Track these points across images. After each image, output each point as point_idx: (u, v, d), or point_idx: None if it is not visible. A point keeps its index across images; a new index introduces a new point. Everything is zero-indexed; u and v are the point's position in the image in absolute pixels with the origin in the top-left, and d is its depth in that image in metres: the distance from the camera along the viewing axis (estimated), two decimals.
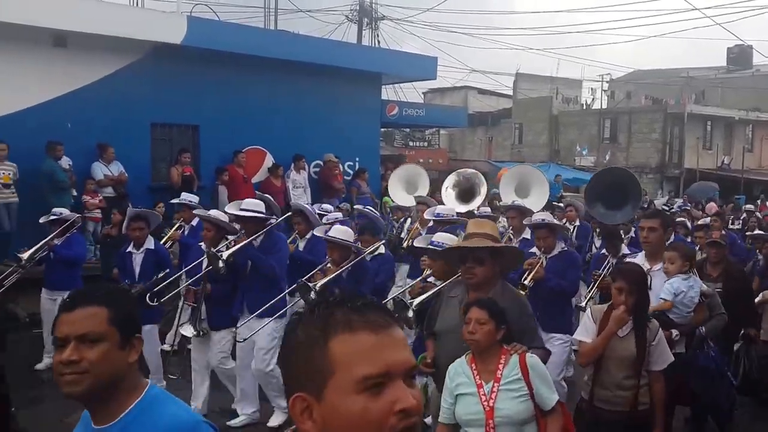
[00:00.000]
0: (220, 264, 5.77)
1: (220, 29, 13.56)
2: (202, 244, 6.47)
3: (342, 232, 5.94)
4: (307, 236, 7.20)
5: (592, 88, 38.73)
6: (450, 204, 9.46)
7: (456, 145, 36.96)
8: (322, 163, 14.47)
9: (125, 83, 11.92)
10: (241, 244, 5.98)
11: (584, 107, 37.82)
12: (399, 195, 11.81)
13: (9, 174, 10.20)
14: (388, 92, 20.91)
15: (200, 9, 15.94)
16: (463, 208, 9.50)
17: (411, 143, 26.15)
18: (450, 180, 10.43)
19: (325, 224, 7.20)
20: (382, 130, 21.27)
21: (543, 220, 6.23)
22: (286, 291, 6.21)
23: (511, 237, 7.51)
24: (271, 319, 6.01)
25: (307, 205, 8.10)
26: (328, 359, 1.26)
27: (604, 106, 36.65)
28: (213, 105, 13.02)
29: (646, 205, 15.53)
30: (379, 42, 25.85)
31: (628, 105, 35.08)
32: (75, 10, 11.22)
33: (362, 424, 1.23)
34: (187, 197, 8.48)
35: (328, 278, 5.63)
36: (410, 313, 4.87)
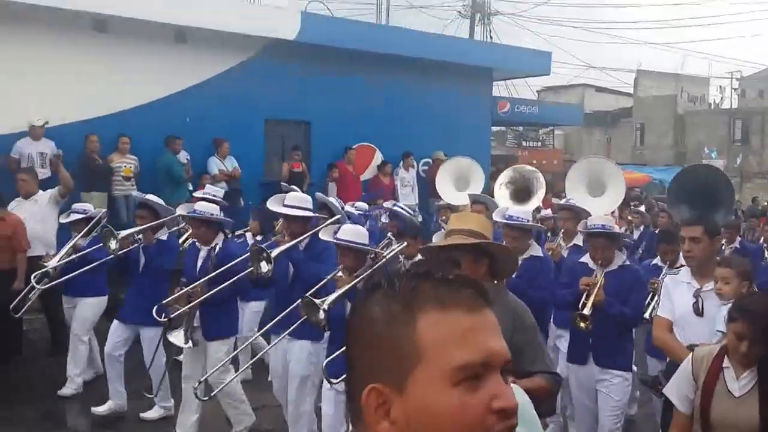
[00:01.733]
0: (264, 266, 4.95)
1: (332, 25, 13.61)
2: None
3: (354, 233, 4.88)
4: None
5: (720, 86, 36.55)
6: (503, 204, 8.22)
7: (572, 145, 35.77)
8: (431, 161, 14.25)
9: (241, 79, 12.15)
10: (287, 245, 5.16)
11: (712, 106, 35.66)
12: (448, 192, 10.39)
13: (130, 167, 10.59)
14: (500, 90, 20.45)
15: (314, 6, 16.10)
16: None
17: (524, 143, 25.48)
18: (504, 176, 9.18)
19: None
20: (494, 129, 20.82)
21: (602, 226, 5.04)
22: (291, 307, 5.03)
23: (561, 243, 6.45)
24: (309, 341, 5.15)
25: (333, 199, 6.90)
26: (416, 342, 1.05)
27: (735, 105, 34.41)
28: (325, 101, 13.06)
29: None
30: (491, 38, 25.39)
31: (762, 104, 32.75)
32: (195, 6, 11.54)
33: (456, 424, 1.03)
34: (210, 191, 7.72)
35: (340, 291, 4.59)
36: (321, 315, 4.32)
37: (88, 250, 6.56)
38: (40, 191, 7.89)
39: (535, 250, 5.47)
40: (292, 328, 4.95)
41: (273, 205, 5.50)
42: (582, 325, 4.67)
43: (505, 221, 5.39)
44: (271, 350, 5.55)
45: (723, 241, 8.98)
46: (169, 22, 11.09)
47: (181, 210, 6.22)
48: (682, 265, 5.49)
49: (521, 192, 8.95)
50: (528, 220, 5.47)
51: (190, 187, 11.11)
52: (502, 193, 8.92)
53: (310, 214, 5.38)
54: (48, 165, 9.94)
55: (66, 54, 10.56)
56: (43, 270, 6.42)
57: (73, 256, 6.55)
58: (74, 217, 6.82)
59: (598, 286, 4.71)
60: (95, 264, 6.40)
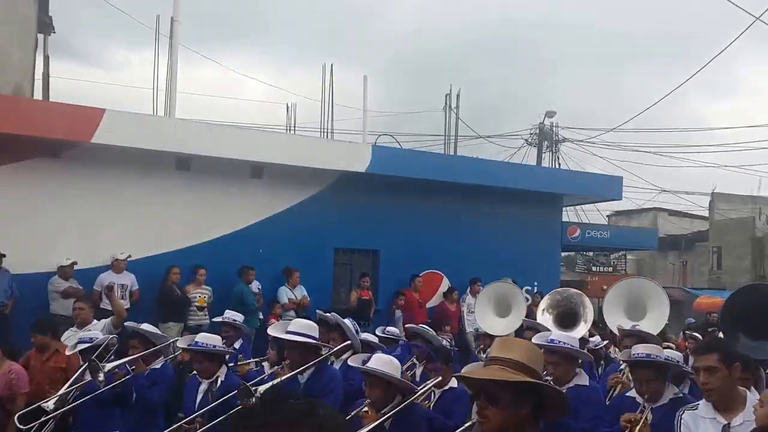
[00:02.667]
0: (253, 401, 4.39)
1: (402, 156, 14.12)
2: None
3: (386, 363, 4.37)
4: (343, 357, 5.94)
5: None
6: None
7: (645, 270, 34.86)
8: (498, 283, 14.13)
9: (312, 210, 12.61)
10: (286, 376, 4.75)
11: None
12: (488, 319, 9.60)
13: (204, 297, 10.95)
14: (569, 215, 20.41)
15: (384, 139, 16.79)
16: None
17: (594, 268, 25.03)
18: (545, 301, 8.51)
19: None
20: (564, 254, 20.62)
21: (646, 355, 4.56)
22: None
23: (629, 375, 5.76)
24: None
25: (348, 321, 6.44)
26: None
27: None
28: (394, 230, 13.34)
29: None
30: (560, 165, 25.60)
31: None
32: (271, 144, 12.24)
33: None
34: (230, 315, 7.41)
35: (365, 431, 4.06)
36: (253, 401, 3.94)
37: (84, 382, 5.75)
38: (95, 321, 7.73)
39: (582, 379, 5.08)
40: None
41: (274, 330, 5.17)
42: None
43: (547, 345, 5.01)
44: None
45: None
46: (247, 159, 11.73)
47: (181, 343, 5.83)
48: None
49: (567, 317, 8.25)
50: (572, 346, 5.10)
51: (261, 316, 11.33)
52: (544, 319, 8.27)
53: (312, 341, 4.90)
54: (128, 297, 10.41)
55: (149, 190, 11.26)
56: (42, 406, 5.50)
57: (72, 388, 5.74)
58: (80, 347, 5.97)
59: (641, 423, 4.19)
60: (86, 398, 5.54)
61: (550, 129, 26.56)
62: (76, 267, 10.27)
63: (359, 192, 13.03)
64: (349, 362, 4.94)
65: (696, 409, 3.77)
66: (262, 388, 4.52)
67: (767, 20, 11.76)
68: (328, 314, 6.76)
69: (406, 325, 9.16)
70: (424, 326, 8.27)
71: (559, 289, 9.05)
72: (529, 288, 14.85)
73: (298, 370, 4.73)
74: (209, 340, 5.41)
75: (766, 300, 6.65)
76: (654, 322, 8.09)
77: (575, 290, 8.78)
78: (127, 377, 5.54)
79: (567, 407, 2.92)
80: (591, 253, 24.64)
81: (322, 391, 4.69)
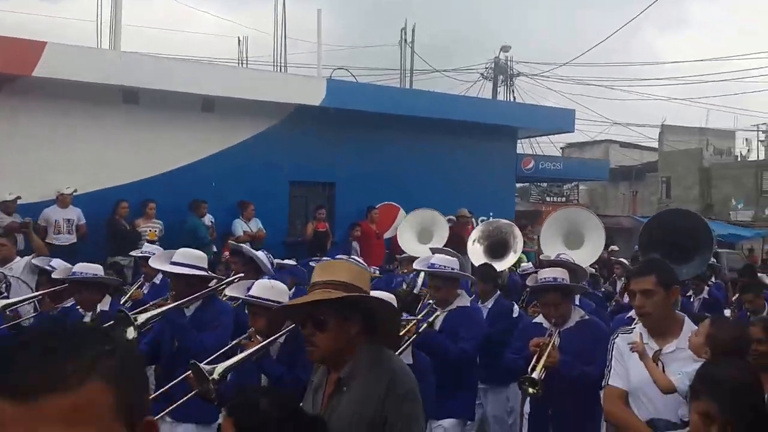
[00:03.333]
0: (131, 332, 4.09)
1: (357, 90, 14.02)
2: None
3: (270, 290, 3.96)
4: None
5: (746, 139, 36.40)
6: (477, 261, 7.55)
7: (597, 200, 35.62)
8: (455, 218, 14.32)
9: (267, 144, 12.46)
10: (167, 306, 4.38)
11: (738, 159, 35.45)
12: (410, 245, 9.61)
13: (155, 231, 10.82)
14: (524, 147, 20.60)
15: (339, 73, 16.58)
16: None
17: (548, 198, 25.49)
18: (477, 232, 8.48)
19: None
20: (518, 185, 20.90)
21: (553, 279, 4.51)
22: None
23: None
24: (195, 424, 4.39)
25: (262, 254, 6.20)
26: None
27: (761, 157, 34.16)
28: (349, 163, 13.31)
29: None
30: (514, 98, 25.70)
31: None
32: (223, 77, 11.99)
33: None
34: (148, 249, 7.13)
35: (239, 357, 3.72)
36: (211, 386, 3.47)
37: None
38: (18, 258, 7.21)
39: (463, 301, 5.09)
40: (172, 408, 3.91)
41: (157, 261, 4.84)
42: (531, 390, 4.09)
43: (428, 269, 5.12)
44: None
45: (689, 293, 8.44)
46: (197, 92, 11.47)
47: (38, 262, 5.38)
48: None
49: (497, 247, 8.24)
50: (453, 269, 5.10)
51: (215, 249, 11.30)
52: (475, 249, 8.26)
53: (200, 272, 4.52)
54: (74, 231, 10.26)
55: (96, 124, 10.96)
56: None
57: None
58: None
59: (549, 346, 4.15)
60: None
61: (506, 63, 26.55)
62: (20, 202, 9.97)
63: (314, 126, 12.90)
64: (228, 291, 4.65)
65: (630, 333, 3.57)
66: (142, 317, 4.21)
67: None
68: (241, 245, 6.62)
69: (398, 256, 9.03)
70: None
71: (491, 219, 9.15)
72: (485, 218, 15.09)
73: (181, 302, 4.39)
74: (87, 269, 5.14)
75: (682, 225, 7.03)
76: (591, 250, 8.17)
77: (506, 221, 8.86)
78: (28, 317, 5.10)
79: (397, 318, 2.86)
80: (545, 184, 25.04)
81: (210, 324, 4.41)
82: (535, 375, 4.04)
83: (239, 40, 18.02)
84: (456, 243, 13.92)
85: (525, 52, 74.52)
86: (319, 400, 2.69)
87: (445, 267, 5.04)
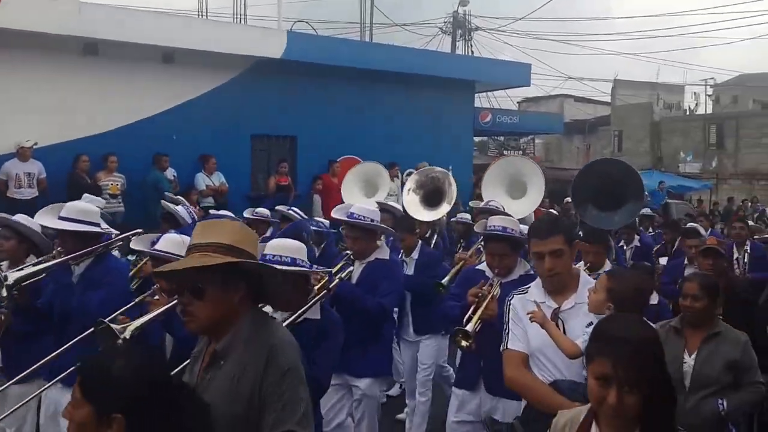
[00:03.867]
0: (2, 292, 3.83)
1: (317, 43, 13.99)
2: None
3: (175, 244, 3.79)
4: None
5: (695, 93, 37.35)
6: (413, 211, 7.45)
7: (552, 153, 36.34)
8: (414, 170, 14.57)
9: (227, 97, 12.43)
10: (53, 262, 4.07)
11: (687, 113, 36.40)
12: (355, 199, 9.07)
13: (117, 185, 10.80)
14: (482, 101, 20.87)
15: (299, 26, 16.45)
16: (427, 215, 7.59)
17: (505, 152, 25.95)
18: (411, 181, 8.23)
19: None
20: (477, 139, 21.23)
21: (502, 228, 4.24)
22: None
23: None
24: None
25: (182, 209, 6.32)
26: None
27: (709, 111, 35.14)
28: (310, 116, 13.37)
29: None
30: (473, 53, 25.87)
31: (735, 110, 33.49)
32: (183, 29, 11.88)
33: None
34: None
35: (147, 317, 3.47)
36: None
37: None
38: None
39: (382, 253, 4.86)
40: (64, 375, 3.64)
41: (43, 217, 4.36)
42: (463, 343, 3.87)
43: (346, 219, 4.80)
44: (41, 404, 4.22)
45: (621, 243, 8.72)
46: (157, 43, 11.35)
47: (137, 244, 4.61)
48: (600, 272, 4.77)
49: (433, 195, 8.05)
50: (372, 220, 4.80)
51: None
52: (411, 199, 8.04)
53: (88, 228, 4.10)
54: (36, 185, 10.20)
55: (55, 76, 10.78)
56: None
57: None
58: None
59: (489, 298, 3.95)
60: None
61: (464, 18, 26.63)
62: None
63: (275, 79, 12.91)
64: (132, 244, 4.36)
65: (526, 293, 3.37)
66: (14, 275, 3.89)
67: None
68: (163, 201, 6.69)
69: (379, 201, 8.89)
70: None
71: (424, 168, 8.80)
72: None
73: (62, 259, 4.06)
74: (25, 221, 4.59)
75: (614, 174, 6.93)
76: (532, 199, 8.05)
77: (440, 169, 8.61)
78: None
79: (284, 285, 2.57)
80: (502, 138, 25.43)
81: (98, 284, 4.07)
82: (469, 327, 3.85)
83: None
84: None
85: (483, 7, 74.26)
86: (196, 372, 2.43)
87: (364, 218, 4.75)
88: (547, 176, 8.93)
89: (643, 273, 5.54)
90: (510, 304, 3.38)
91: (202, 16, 17.01)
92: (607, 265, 5.08)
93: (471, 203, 8.32)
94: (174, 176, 11.50)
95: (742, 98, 36.84)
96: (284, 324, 3.05)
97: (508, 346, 3.28)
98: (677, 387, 3.42)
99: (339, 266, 4.64)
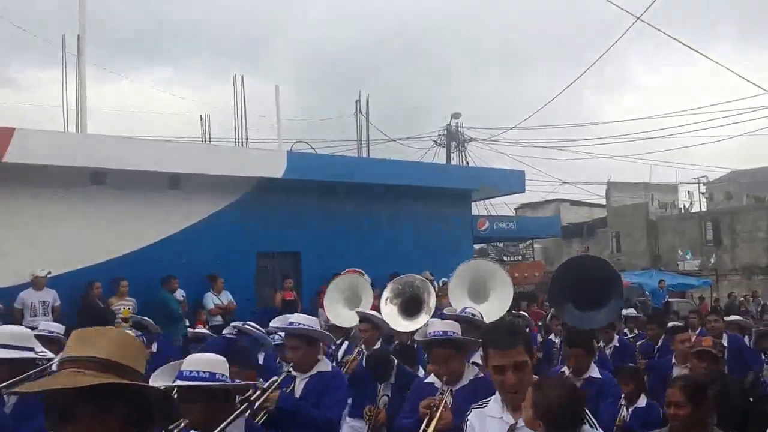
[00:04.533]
0: None
1: (316, 161, 14.62)
2: None
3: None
4: None
5: (689, 192, 38.06)
6: (393, 322, 7.17)
7: (552, 257, 36.60)
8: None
9: (232, 217, 12.89)
10: None
11: (682, 211, 37.00)
12: (337, 311, 8.80)
13: (129, 308, 10.98)
14: (479, 209, 21.35)
15: (299, 146, 17.17)
16: (406, 326, 7.21)
17: (505, 258, 26.22)
18: (387, 291, 7.86)
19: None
20: (477, 246, 21.54)
21: (443, 332, 4.08)
22: None
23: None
24: None
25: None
26: None
27: (704, 208, 35.73)
28: (313, 232, 13.78)
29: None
30: (467, 162, 26.64)
31: (729, 205, 34.07)
32: (188, 155, 12.46)
33: None
34: (46, 327, 6.54)
35: None
36: None
37: None
38: None
39: (323, 366, 4.57)
40: None
41: None
42: None
43: (286, 327, 4.61)
44: None
45: (600, 343, 8.11)
46: (163, 170, 11.85)
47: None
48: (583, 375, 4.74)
49: (412, 304, 7.64)
50: (311, 327, 4.54)
51: (187, 323, 11.49)
52: (389, 310, 7.60)
53: (24, 354, 3.81)
54: (50, 312, 10.39)
55: (65, 206, 11.22)
56: None
57: None
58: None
59: (441, 407, 3.71)
60: None
61: (457, 129, 27.62)
62: None
63: (277, 197, 13.39)
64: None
65: (485, 407, 3.14)
66: None
67: (648, 20, 12.77)
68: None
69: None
70: None
71: (401, 277, 8.42)
72: (446, 279, 15.56)
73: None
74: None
75: (592, 271, 6.68)
76: (498, 304, 7.67)
77: (419, 276, 8.25)
78: None
79: (170, 406, 2.35)
80: (501, 244, 25.77)
81: (34, 415, 3.47)
82: None
83: (201, 118, 18.54)
84: None
85: (475, 119, 76.96)
86: None
87: (304, 325, 4.52)
88: (547, 281, 8.66)
89: (629, 375, 5.40)
90: (468, 421, 3.08)
91: (204, 141, 17.74)
92: (593, 370, 4.90)
93: (446, 310, 7.97)
94: (183, 296, 11.72)
95: (736, 194, 37.60)
96: None
97: None
98: None
99: (276, 380, 4.29)
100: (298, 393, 4.39)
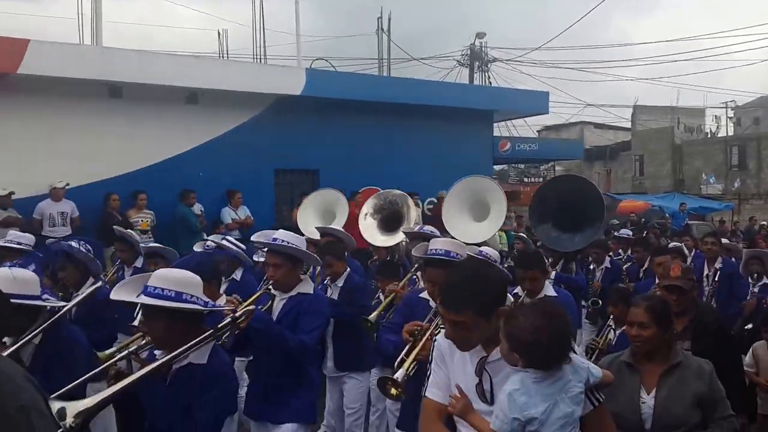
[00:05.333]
0: None
1: (336, 79, 14.37)
2: None
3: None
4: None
5: (716, 116, 37.22)
6: (370, 236, 7.04)
7: None
8: (435, 200, 14.75)
9: (250, 133, 12.79)
10: None
11: (709, 135, 36.28)
12: (312, 227, 8.39)
13: (147, 221, 11.12)
14: (501, 130, 21.08)
15: (318, 63, 16.90)
16: (383, 241, 7.03)
17: (526, 179, 26.03)
18: (368, 205, 7.75)
19: None
20: (497, 167, 21.38)
21: (445, 252, 3.91)
22: None
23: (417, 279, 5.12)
24: None
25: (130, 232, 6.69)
26: None
27: (731, 133, 34.99)
28: (331, 150, 13.66)
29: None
30: (490, 83, 26.16)
31: (757, 131, 33.31)
32: (206, 70, 12.30)
33: None
34: (16, 238, 6.37)
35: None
36: None
37: None
38: None
39: (306, 287, 4.34)
40: None
41: None
42: (393, 392, 3.39)
43: (269, 243, 4.33)
44: None
45: (591, 264, 8.26)
46: (181, 85, 11.74)
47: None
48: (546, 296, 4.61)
49: (391, 220, 7.55)
50: (296, 246, 4.27)
51: (205, 236, 11.61)
52: (368, 224, 7.58)
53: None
54: (69, 223, 10.53)
55: (83, 119, 11.19)
56: None
57: None
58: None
59: (426, 337, 3.43)
60: None
61: (481, 49, 26.99)
62: (13, 197, 10.24)
63: (295, 115, 13.24)
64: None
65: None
66: None
67: None
68: (125, 231, 6.78)
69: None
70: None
71: (382, 192, 8.37)
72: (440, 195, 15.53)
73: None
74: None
75: (575, 193, 6.47)
76: (495, 219, 7.56)
77: (398, 192, 8.11)
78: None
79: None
80: (522, 166, 25.54)
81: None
82: (399, 374, 3.36)
83: (219, 33, 18.26)
84: (438, 224, 14.40)
85: (500, 39, 75.03)
86: None
87: (288, 243, 4.26)
88: None
89: (618, 296, 5.30)
90: (435, 342, 2.79)
91: (222, 57, 17.51)
92: (548, 288, 4.78)
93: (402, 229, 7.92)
94: (201, 211, 11.80)
95: (765, 119, 36.67)
96: (157, 363, 2.87)
97: (426, 394, 2.74)
98: (636, 431, 3.19)
99: (253, 298, 4.05)
100: (276, 313, 4.21)
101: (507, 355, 2.45)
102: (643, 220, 19.99)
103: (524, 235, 11.84)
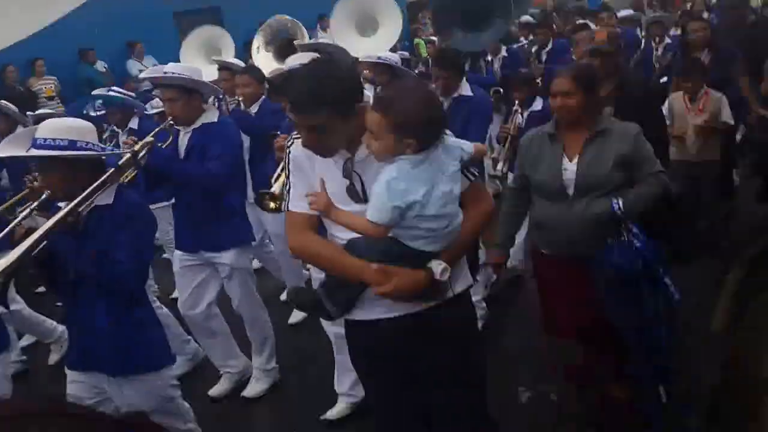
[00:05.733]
0: None
1: None
2: None
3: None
4: None
5: None
6: (268, 68, 6.56)
7: None
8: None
9: None
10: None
11: None
12: (260, 58, 7.80)
13: (51, 87, 10.83)
14: None
15: None
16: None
17: None
18: (258, 40, 7.37)
19: None
20: None
21: (378, 57, 4.66)
22: None
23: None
24: None
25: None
26: None
27: None
28: None
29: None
30: None
31: None
32: None
33: None
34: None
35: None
36: None
37: None
38: None
39: (210, 116, 4.21)
40: None
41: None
42: (272, 206, 3.45)
43: (160, 76, 4.18)
44: None
45: (489, 57, 8.18)
46: None
47: None
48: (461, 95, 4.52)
49: (287, 48, 7.12)
50: (187, 76, 4.06)
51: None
52: (263, 56, 7.25)
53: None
54: None
55: None
56: None
57: None
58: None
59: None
60: None
61: None
62: None
63: None
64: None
65: None
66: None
67: None
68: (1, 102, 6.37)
69: None
70: None
71: (269, 21, 8.03)
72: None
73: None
74: None
75: None
76: (388, 35, 7.32)
77: (288, 17, 7.84)
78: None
79: None
80: None
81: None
82: (276, 188, 3.32)
83: None
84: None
85: None
86: None
87: (180, 75, 4.05)
88: None
89: (520, 81, 5.32)
90: (290, 155, 2.56)
91: None
92: (464, 88, 4.60)
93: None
94: (105, 68, 11.49)
95: None
96: (63, 212, 2.84)
97: (290, 208, 2.53)
98: (559, 198, 3.24)
99: (151, 134, 3.91)
100: (182, 148, 4.10)
101: (381, 148, 2.29)
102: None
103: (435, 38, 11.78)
